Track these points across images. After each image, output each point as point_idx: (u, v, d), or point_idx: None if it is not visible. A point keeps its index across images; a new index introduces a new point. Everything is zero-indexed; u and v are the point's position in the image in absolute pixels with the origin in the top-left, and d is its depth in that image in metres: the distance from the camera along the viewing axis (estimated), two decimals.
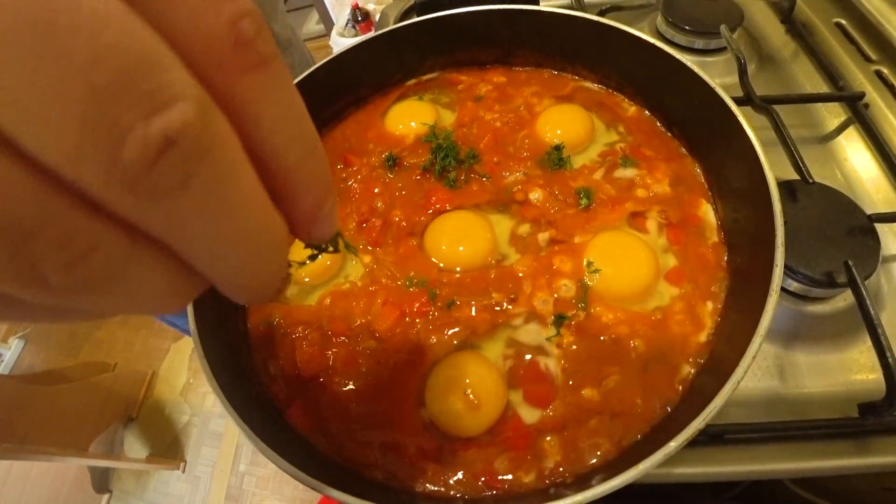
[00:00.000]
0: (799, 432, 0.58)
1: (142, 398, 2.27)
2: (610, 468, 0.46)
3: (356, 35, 3.01)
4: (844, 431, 0.58)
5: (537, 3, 0.73)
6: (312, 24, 3.64)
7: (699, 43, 0.92)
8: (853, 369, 0.64)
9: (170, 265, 0.16)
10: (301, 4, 3.61)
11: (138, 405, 2.24)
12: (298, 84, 0.69)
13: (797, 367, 0.64)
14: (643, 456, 0.40)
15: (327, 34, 3.24)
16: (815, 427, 0.58)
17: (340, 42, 3.04)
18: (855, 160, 0.81)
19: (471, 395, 0.50)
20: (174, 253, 0.16)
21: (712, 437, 0.55)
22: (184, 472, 2.07)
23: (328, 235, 0.23)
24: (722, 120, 0.56)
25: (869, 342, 0.57)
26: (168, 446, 2.14)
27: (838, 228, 0.66)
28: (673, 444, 0.38)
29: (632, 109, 0.70)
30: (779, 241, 0.45)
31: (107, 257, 0.14)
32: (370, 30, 3.05)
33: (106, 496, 2.07)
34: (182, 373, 2.34)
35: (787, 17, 0.98)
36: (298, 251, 0.26)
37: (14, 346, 2.60)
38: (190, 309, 0.55)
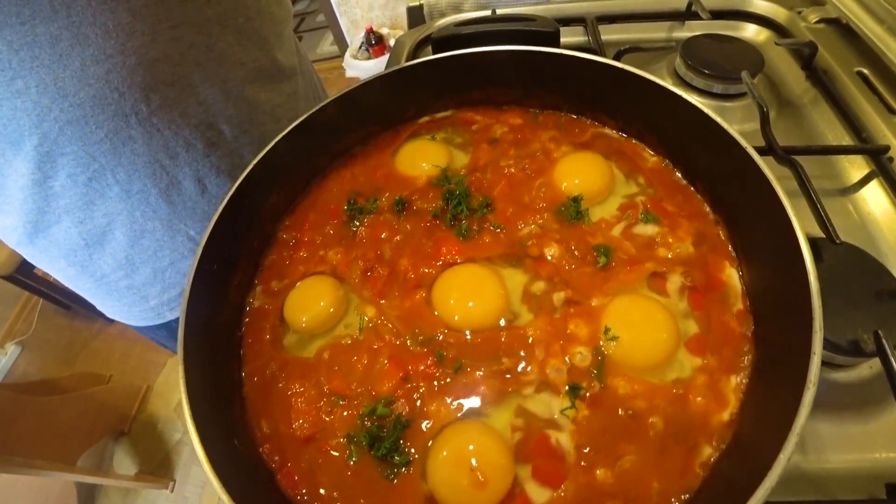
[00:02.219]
0: None
1: (135, 412, 2.23)
2: None
3: (369, 58, 3.03)
4: None
5: (557, 45, 0.70)
6: (327, 45, 3.75)
7: (718, 87, 0.90)
8: (879, 443, 0.60)
9: None
10: (317, 26, 3.71)
11: (131, 420, 2.20)
12: (307, 119, 0.66)
13: (819, 439, 0.61)
14: None
15: (341, 55, 3.29)
16: None
17: (353, 64, 3.07)
18: (878, 215, 0.78)
19: (476, 471, 0.47)
20: None
21: None
22: (172, 491, 2.02)
23: None
24: (745, 172, 0.53)
25: None
26: (158, 464, 2.09)
27: (865, 292, 0.63)
28: None
29: (653, 160, 0.67)
30: (817, 324, 0.42)
31: None
32: (383, 53, 3.07)
33: None
34: (178, 388, 2.29)
35: (808, 64, 0.96)
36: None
37: (10, 353, 2.56)
38: (180, 353, 0.52)
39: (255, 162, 0.64)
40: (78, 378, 2.34)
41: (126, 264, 0.81)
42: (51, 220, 0.72)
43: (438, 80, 0.71)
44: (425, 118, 0.75)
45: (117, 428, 2.14)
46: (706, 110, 0.57)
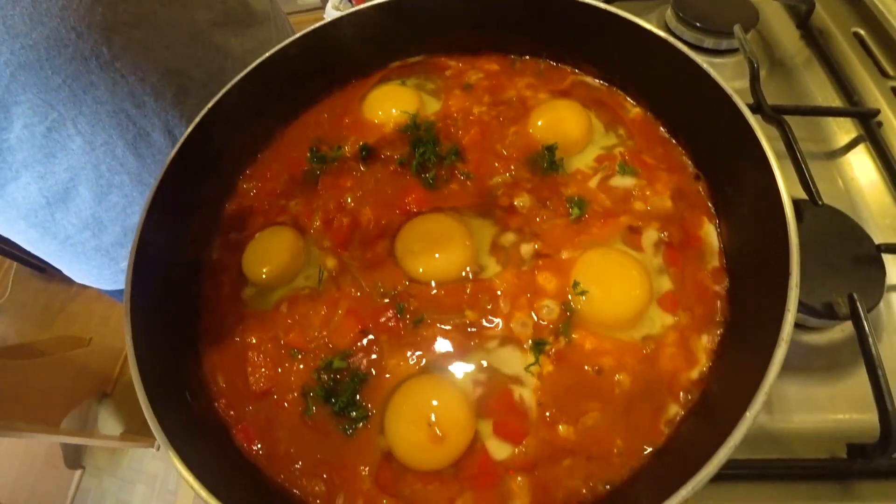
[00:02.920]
0: (783, 471, 0.55)
1: (117, 374, 2.20)
2: None
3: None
4: (830, 473, 0.55)
5: None
6: None
7: (708, 42, 0.86)
8: (844, 405, 0.60)
9: None
10: None
11: (113, 381, 2.18)
12: (267, 60, 0.61)
13: (785, 400, 0.61)
14: None
15: (322, 6, 3.14)
16: (801, 467, 0.55)
17: (336, 15, 2.92)
18: (862, 180, 0.77)
19: (435, 426, 0.45)
20: None
21: None
22: (158, 450, 2.02)
23: None
24: (733, 129, 0.51)
25: (863, 377, 0.54)
26: (143, 424, 2.05)
27: (844, 256, 0.62)
28: None
29: (635, 111, 0.64)
30: (793, 280, 0.40)
31: None
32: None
33: (78, 472, 2.03)
34: None
35: (804, 23, 0.92)
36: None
37: None
38: (126, 307, 0.49)
39: (212, 103, 0.60)
40: (57, 341, 2.30)
41: (93, 223, 0.76)
42: (7, 176, 0.66)
43: (411, 21, 0.66)
44: (396, 63, 0.71)
45: (100, 390, 2.12)
46: (698, 60, 0.54)
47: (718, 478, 0.51)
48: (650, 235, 0.54)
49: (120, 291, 0.90)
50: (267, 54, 0.61)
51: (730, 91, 0.51)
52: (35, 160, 0.65)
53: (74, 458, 2.04)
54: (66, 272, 0.88)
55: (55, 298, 2.56)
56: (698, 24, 0.85)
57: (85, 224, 0.76)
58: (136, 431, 2.05)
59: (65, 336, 2.38)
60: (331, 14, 2.91)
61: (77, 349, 2.23)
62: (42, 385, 1.82)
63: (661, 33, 0.56)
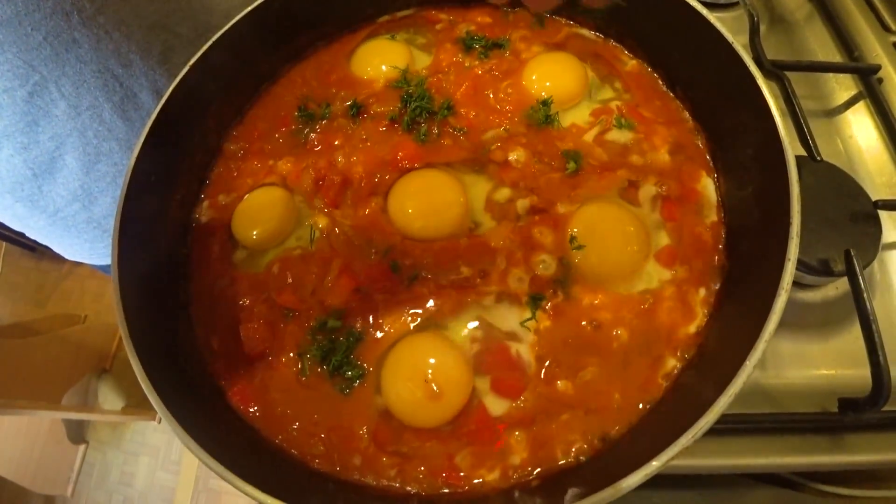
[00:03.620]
0: (775, 425, 0.56)
1: (115, 350, 2.21)
2: (582, 471, 0.42)
3: None
4: (822, 426, 0.55)
5: None
6: None
7: None
8: (836, 360, 0.61)
9: None
10: None
11: (111, 357, 2.19)
12: (251, 13, 0.59)
13: (780, 356, 0.61)
14: (620, 465, 0.35)
15: None
16: (793, 421, 0.56)
17: None
18: (860, 137, 0.76)
19: (432, 383, 0.45)
20: None
21: None
22: (160, 422, 2.04)
23: None
24: (734, 80, 0.49)
25: (856, 334, 0.54)
26: (144, 398, 2.07)
27: (841, 213, 0.62)
28: (655, 464, 0.33)
29: (631, 63, 0.62)
30: (794, 230, 0.40)
31: None
32: None
33: (83, 447, 2.05)
34: None
35: None
36: None
37: None
38: (114, 273, 0.47)
39: (196, 57, 0.57)
40: (52, 319, 2.29)
41: (82, 195, 0.72)
42: None
43: None
44: (385, 17, 0.68)
45: (99, 366, 2.13)
46: (701, 10, 0.52)
47: (713, 431, 0.52)
48: (648, 190, 0.53)
49: None
50: (251, 6, 0.58)
51: (732, 40, 0.50)
52: (17, 129, 0.62)
53: (77, 433, 2.06)
54: (57, 249, 0.85)
55: (48, 277, 2.53)
56: None
57: (74, 196, 0.72)
58: (136, 405, 2.06)
59: (60, 314, 2.36)
60: None
61: (73, 326, 2.23)
62: (40, 363, 1.82)
63: None
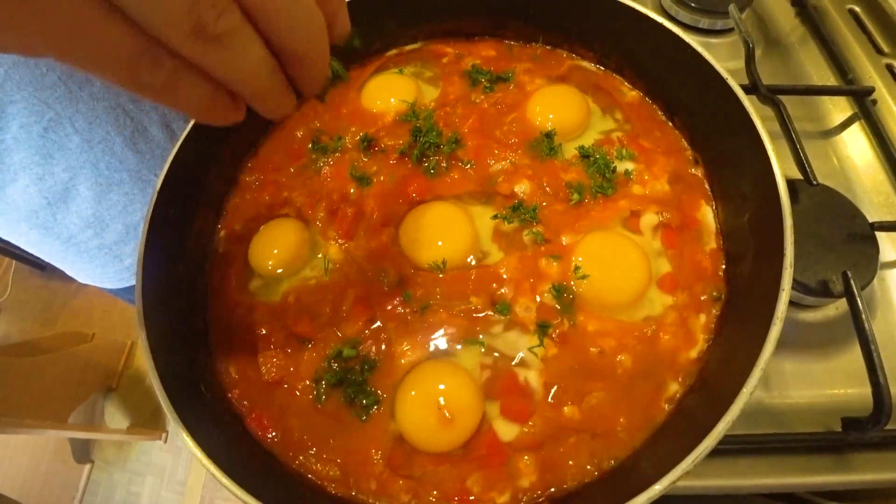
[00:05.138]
0: (780, 445, 0.57)
1: (121, 368, 2.21)
2: (589, 493, 0.43)
3: None
4: (826, 446, 0.56)
5: None
6: None
7: (704, 22, 0.86)
8: (838, 380, 0.62)
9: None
10: None
11: (118, 375, 2.19)
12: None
13: (783, 376, 0.62)
14: (626, 488, 0.37)
15: None
16: (798, 440, 0.56)
17: None
18: (856, 158, 0.77)
19: (444, 409, 0.46)
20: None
21: None
22: (166, 442, 2.04)
23: (345, 32, 0.31)
24: (728, 111, 0.51)
25: (857, 353, 0.55)
26: (149, 417, 2.09)
27: (838, 234, 0.63)
28: (658, 487, 0.35)
29: (631, 94, 0.64)
30: (787, 261, 0.41)
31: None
32: None
33: (87, 466, 2.04)
34: None
35: (799, 0, 0.92)
36: None
37: None
38: (139, 305, 0.49)
39: None
40: (60, 338, 2.30)
41: (94, 222, 0.76)
42: (5, 178, 0.66)
43: (407, 8, 0.66)
44: (393, 51, 0.71)
45: (105, 384, 2.13)
46: (692, 43, 0.54)
47: (718, 452, 0.54)
48: (649, 218, 0.55)
49: (123, 289, 0.91)
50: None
51: (723, 72, 0.52)
52: (33, 162, 0.65)
53: (83, 452, 2.06)
54: (70, 273, 0.88)
55: (56, 295, 2.55)
56: (693, 5, 0.85)
57: (87, 223, 0.76)
58: (142, 424, 2.06)
59: (67, 332, 2.37)
60: None
61: (80, 345, 2.24)
62: (48, 382, 1.82)
63: (654, 15, 0.57)
